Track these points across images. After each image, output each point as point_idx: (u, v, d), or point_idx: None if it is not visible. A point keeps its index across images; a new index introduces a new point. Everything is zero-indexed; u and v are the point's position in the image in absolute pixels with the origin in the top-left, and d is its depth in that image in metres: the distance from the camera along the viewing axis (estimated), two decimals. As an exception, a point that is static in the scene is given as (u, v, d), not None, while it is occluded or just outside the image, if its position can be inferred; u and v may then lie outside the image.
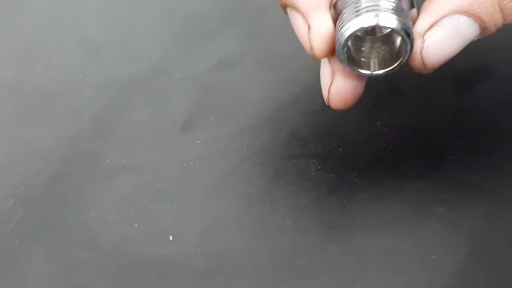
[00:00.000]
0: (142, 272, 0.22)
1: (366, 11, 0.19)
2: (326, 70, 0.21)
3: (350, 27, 0.19)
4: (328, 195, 0.24)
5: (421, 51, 0.20)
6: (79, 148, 0.26)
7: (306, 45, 0.20)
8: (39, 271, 0.22)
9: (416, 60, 0.20)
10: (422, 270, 0.22)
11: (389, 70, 0.21)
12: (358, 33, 0.20)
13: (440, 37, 0.20)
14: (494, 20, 0.19)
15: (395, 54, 0.21)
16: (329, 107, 0.21)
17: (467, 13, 0.19)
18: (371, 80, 0.28)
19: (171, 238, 0.23)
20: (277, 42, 0.30)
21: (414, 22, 0.20)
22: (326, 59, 0.21)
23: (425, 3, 0.20)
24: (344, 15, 0.19)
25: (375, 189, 0.24)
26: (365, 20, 0.19)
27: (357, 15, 0.19)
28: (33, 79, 0.29)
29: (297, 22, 0.21)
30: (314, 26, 0.20)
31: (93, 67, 0.30)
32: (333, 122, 0.26)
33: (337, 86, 0.21)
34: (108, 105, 0.28)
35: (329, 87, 0.21)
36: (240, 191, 0.24)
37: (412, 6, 0.20)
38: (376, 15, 0.19)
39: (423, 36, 0.20)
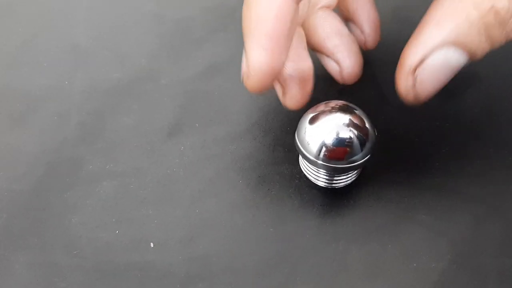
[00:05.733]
0: (123, 279, 0.22)
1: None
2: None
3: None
4: (311, 202, 0.24)
5: (414, 87, 0.20)
6: (64, 153, 0.26)
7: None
8: (20, 277, 0.22)
9: (410, 96, 0.21)
10: (405, 277, 0.22)
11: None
12: None
13: (431, 71, 0.20)
14: (482, 48, 0.20)
15: None
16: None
17: (456, 44, 0.20)
18: (358, 86, 0.28)
19: (152, 245, 0.23)
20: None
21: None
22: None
23: (412, 36, 0.21)
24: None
25: (358, 195, 0.24)
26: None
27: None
28: (19, 84, 0.29)
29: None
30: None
31: (80, 72, 0.30)
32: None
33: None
34: (94, 111, 0.28)
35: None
36: (223, 198, 0.24)
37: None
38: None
39: (415, 72, 0.20)
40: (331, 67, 0.26)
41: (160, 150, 0.26)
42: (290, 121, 0.27)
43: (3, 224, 0.24)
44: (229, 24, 0.31)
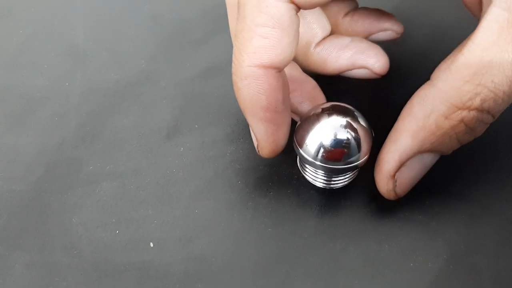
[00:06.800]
0: (122, 278, 0.22)
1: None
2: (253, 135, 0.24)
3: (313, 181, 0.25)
4: (308, 202, 0.24)
5: (394, 189, 0.23)
6: (64, 154, 0.26)
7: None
8: (20, 276, 0.22)
9: (391, 195, 0.23)
10: (401, 277, 0.22)
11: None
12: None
13: (409, 174, 0.22)
14: (453, 147, 0.22)
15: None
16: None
17: (430, 151, 0.22)
18: (358, 87, 0.28)
19: (151, 245, 0.23)
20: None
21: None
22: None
23: (388, 141, 0.22)
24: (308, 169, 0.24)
25: (356, 196, 0.24)
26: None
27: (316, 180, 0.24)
28: (19, 85, 0.29)
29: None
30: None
31: (79, 74, 0.30)
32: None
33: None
34: (94, 112, 0.28)
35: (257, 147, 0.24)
36: (222, 198, 0.24)
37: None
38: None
39: (394, 177, 0.22)
40: (361, 73, 0.27)
41: (159, 151, 0.26)
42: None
43: (3, 224, 0.24)
44: (227, 26, 0.31)
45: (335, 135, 0.22)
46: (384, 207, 0.24)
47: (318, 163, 0.22)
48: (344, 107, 0.23)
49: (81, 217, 0.24)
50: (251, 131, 0.24)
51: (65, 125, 0.27)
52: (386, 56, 0.27)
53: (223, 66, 0.30)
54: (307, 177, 0.24)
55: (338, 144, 0.22)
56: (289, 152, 0.26)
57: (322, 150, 0.22)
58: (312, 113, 0.23)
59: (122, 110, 0.28)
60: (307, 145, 0.22)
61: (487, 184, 0.25)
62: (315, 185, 0.24)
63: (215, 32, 0.32)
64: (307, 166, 0.24)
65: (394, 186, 0.22)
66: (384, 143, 0.22)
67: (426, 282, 0.22)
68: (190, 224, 0.24)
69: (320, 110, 0.23)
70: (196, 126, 0.27)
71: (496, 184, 0.25)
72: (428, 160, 0.22)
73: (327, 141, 0.22)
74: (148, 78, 0.30)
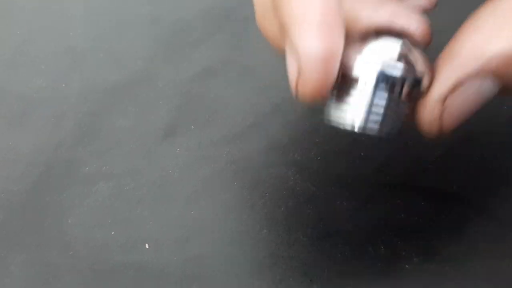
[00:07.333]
0: (118, 279, 0.22)
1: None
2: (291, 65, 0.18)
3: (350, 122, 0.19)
4: (305, 204, 0.24)
5: (441, 117, 0.18)
6: (61, 154, 0.26)
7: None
8: (16, 277, 0.22)
9: (433, 127, 0.18)
10: (396, 278, 0.22)
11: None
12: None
13: (462, 102, 0.18)
14: None
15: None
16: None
17: (494, 76, 0.17)
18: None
19: (147, 246, 0.23)
20: (259, 51, 0.30)
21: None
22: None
23: (443, 54, 0.18)
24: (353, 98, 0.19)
25: (351, 198, 0.24)
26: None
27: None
28: (16, 86, 0.29)
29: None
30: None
31: (77, 74, 0.30)
32: (312, 131, 0.26)
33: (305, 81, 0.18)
34: (91, 112, 0.28)
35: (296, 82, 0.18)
36: (218, 199, 0.24)
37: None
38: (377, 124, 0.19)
39: (444, 102, 0.18)
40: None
41: (156, 151, 0.26)
42: (285, 123, 0.27)
43: (0, 224, 0.24)
44: (225, 26, 0.32)
45: (391, 54, 0.18)
46: (379, 209, 0.24)
47: (372, 89, 0.18)
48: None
49: (77, 217, 0.24)
50: (288, 62, 0.18)
51: (62, 126, 0.27)
52: (428, 23, 0.20)
53: (220, 67, 0.30)
54: (345, 115, 0.19)
55: (395, 64, 0.18)
56: (286, 153, 0.26)
57: (377, 72, 0.18)
58: (361, 33, 0.19)
59: (120, 110, 0.28)
60: (354, 70, 0.18)
61: (482, 185, 0.25)
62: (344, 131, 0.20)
63: (214, 33, 0.32)
64: (350, 97, 0.19)
65: (442, 114, 0.18)
66: (438, 58, 0.18)
67: (421, 284, 0.22)
68: (186, 225, 0.24)
69: (368, 32, 0.19)
70: (193, 126, 0.27)
71: (492, 184, 0.25)
72: (487, 90, 0.18)
73: (381, 62, 0.18)
74: (145, 79, 0.30)
